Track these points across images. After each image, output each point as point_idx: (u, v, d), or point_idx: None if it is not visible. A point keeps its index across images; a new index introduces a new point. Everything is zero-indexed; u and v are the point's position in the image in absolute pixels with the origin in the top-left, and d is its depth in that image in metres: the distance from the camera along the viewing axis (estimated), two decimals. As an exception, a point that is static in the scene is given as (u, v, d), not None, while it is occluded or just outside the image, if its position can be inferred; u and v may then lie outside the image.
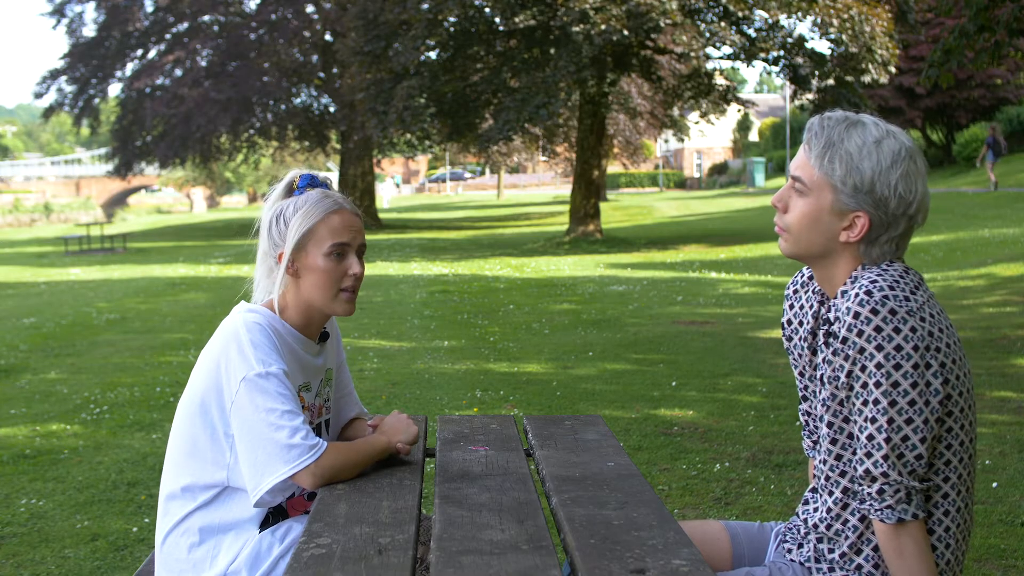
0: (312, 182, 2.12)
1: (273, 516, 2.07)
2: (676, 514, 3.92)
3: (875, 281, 1.73)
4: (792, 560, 1.98)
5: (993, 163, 25.84)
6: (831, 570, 1.88)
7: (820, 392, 1.87)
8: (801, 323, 1.97)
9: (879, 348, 1.70)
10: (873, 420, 1.72)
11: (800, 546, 1.98)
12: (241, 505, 2.02)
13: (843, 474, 1.85)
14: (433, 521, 1.80)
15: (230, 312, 2.11)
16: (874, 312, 1.69)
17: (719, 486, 4.32)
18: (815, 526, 1.91)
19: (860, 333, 1.71)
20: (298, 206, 2.08)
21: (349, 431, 2.36)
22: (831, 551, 1.88)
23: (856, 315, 1.71)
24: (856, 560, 1.84)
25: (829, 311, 1.85)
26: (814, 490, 1.99)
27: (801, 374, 1.99)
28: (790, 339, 2.01)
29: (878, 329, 1.69)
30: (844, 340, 1.74)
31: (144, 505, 4.29)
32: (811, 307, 1.94)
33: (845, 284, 1.82)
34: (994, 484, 4.19)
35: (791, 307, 2.02)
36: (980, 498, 4.04)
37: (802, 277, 2.02)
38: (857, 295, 1.72)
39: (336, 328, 2.32)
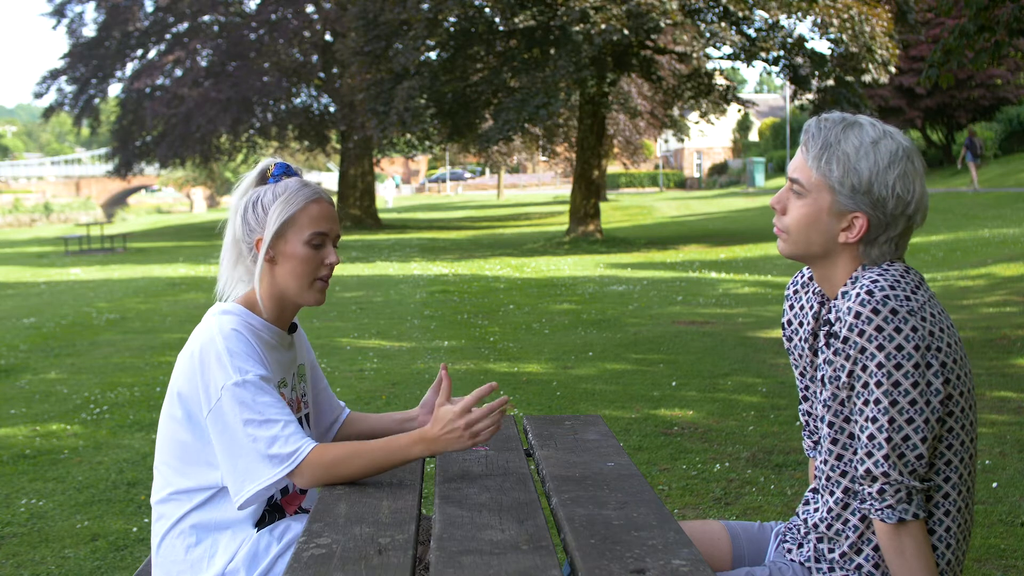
0: (287, 171, 2.11)
1: (270, 515, 2.06)
2: (676, 514, 3.93)
3: (876, 281, 1.73)
4: (792, 560, 1.98)
5: (975, 164, 26.27)
6: (831, 570, 1.88)
7: (821, 393, 1.87)
8: (801, 323, 1.97)
9: (880, 348, 1.70)
10: (874, 420, 1.72)
11: (800, 546, 1.98)
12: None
13: (844, 474, 1.85)
14: (433, 521, 1.80)
15: (204, 316, 2.08)
16: (875, 312, 1.70)
17: (719, 486, 4.32)
18: (815, 526, 1.92)
19: (861, 333, 1.71)
20: (277, 193, 2.06)
21: (350, 426, 2.35)
22: (831, 551, 1.88)
23: (857, 315, 1.71)
24: (856, 560, 1.85)
25: (830, 312, 1.85)
26: (815, 490, 1.99)
27: (802, 374, 1.99)
28: (790, 339, 2.01)
29: (879, 329, 1.69)
30: (845, 340, 1.74)
31: (144, 505, 4.28)
32: (811, 308, 1.94)
33: (845, 284, 1.82)
34: (994, 484, 4.19)
35: (791, 307, 2.02)
36: (980, 498, 4.04)
37: (802, 277, 2.02)
38: (858, 295, 1.72)
39: (300, 328, 2.30)
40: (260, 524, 2.04)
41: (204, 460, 2.01)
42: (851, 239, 1.80)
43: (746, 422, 5.43)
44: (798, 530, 2.01)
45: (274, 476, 1.91)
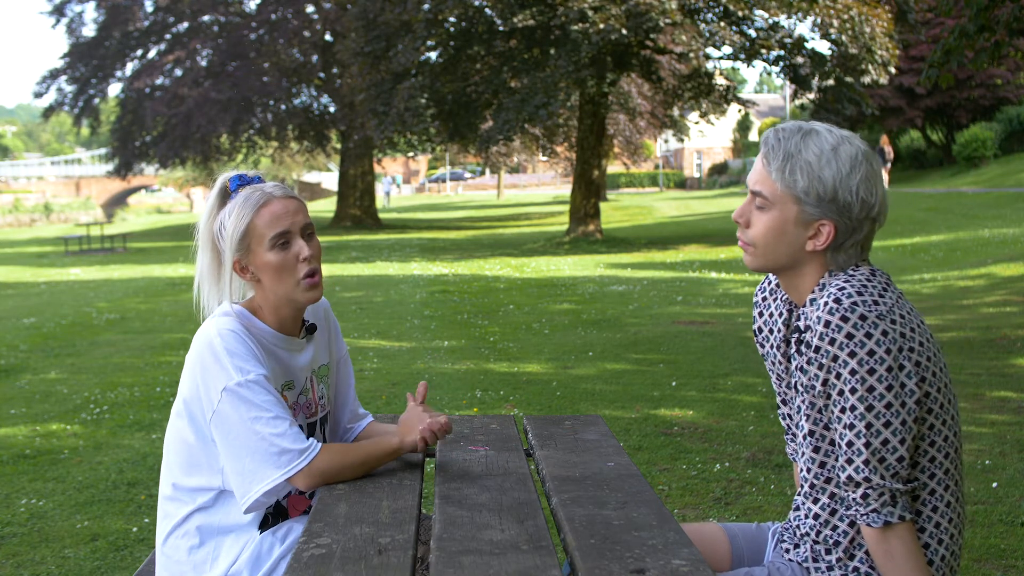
0: (242, 180, 2.07)
1: (273, 517, 2.06)
2: (676, 514, 3.93)
3: (843, 288, 1.74)
4: (790, 560, 1.98)
5: (885, 169, 27.42)
6: (829, 569, 1.88)
7: (796, 399, 1.88)
8: (772, 330, 1.98)
9: (852, 355, 1.71)
10: (851, 426, 1.73)
11: (797, 546, 1.98)
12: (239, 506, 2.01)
13: (828, 480, 1.86)
14: (433, 521, 1.80)
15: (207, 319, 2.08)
16: (844, 319, 1.71)
17: (719, 486, 4.32)
18: (806, 534, 1.92)
19: (832, 341, 1.72)
20: (229, 211, 2.03)
21: (368, 432, 2.35)
22: (828, 552, 1.89)
23: (827, 323, 1.72)
24: (851, 563, 1.85)
25: (799, 319, 1.86)
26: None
27: (779, 379, 2.00)
28: (763, 346, 2.03)
29: (849, 336, 1.70)
30: (817, 349, 1.75)
31: (144, 505, 4.29)
32: (781, 315, 1.95)
33: (813, 292, 1.83)
34: (994, 484, 4.19)
35: (760, 315, 2.03)
36: (980, 498, 4.04)
37: (769, 284, 2.03)
38: (826, 303, 1.73)
39: (334, 321, 2.28)
40: (263, 527, 2.04)
41: (207, 462, 2.01)
42: (819, 247, 1.80)
43: (746, 422, 5.43)
44: (794, 532, 2.01)
45: (283, 475, 1.92)
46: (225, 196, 2.08)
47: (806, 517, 1.93)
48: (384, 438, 2.11)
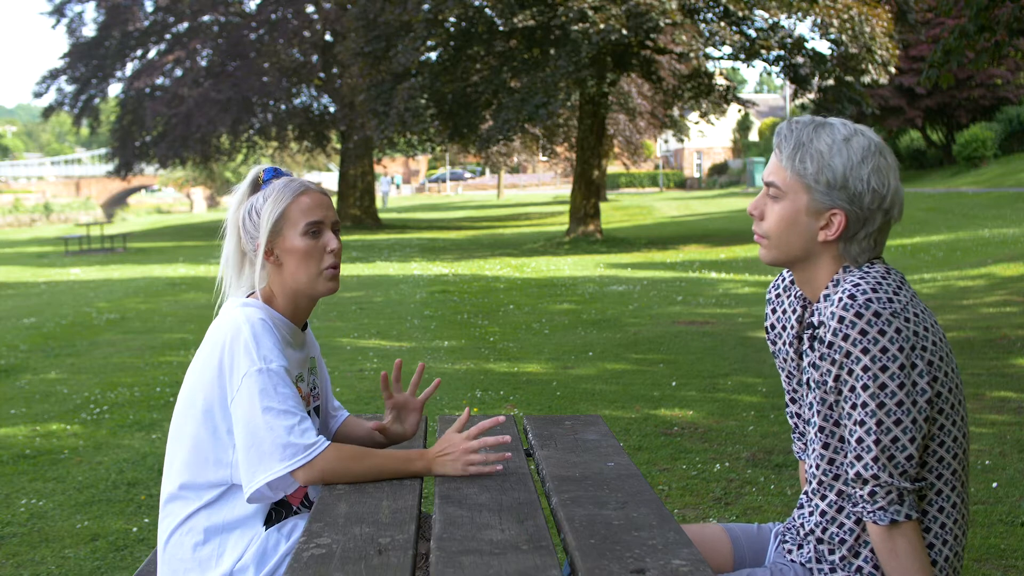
0: (277, 173, 2.14)
1: (277, 512, 2.07)
2: (676, 514, 3.93)
3: (858, 284, 1.74)
4: (793, 560, 1.98)
5: None
6: (832, 571, 1.88)
7: (807, 396, 1.88)
8: (784, 327, 1.98)
9: (865, 351, 1.71)
10: (862, 423, 1.73)
11: (800, 547, 1.98)
12: (245, 503, 2.02)
13: (837, 477, 1.85)
14: (433, 521, 1.80)
15: (222, 309, 2.10)
16: (858, 315, 1.71)
17: (719, 486, 4.32)
18: (811, 531, 1.92)
19: (845, 337, 1.72)
20: (267, 195, 2.10)
21: (345, 428, 2.35)
22: (831, 552, 1.89)
23: (840, 319, 1.72)
24: (856, 563, 1.85)
25: (812, 315, 1.86)
26: (807, 493, 2.00)
27: (788, 377, 2.00)
28: (774, 343, 2.03)
29: (863, 332, 1.70)
30: (830, 345, 1.75)
31: (144, 505, 4.29)
32: (794, 311, 1.95)
33: (827, 287, 1.83)
34: (994, 484, 4.19)
35: (773, 311, 2.03)
36: (980, 498, 4.04)
37: (783, 281, 2.03)
38: (841, 299, 1.73)
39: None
40: (268, 522, 2.05)
41: (214, 457, 2.02)
42: (831, 237, 1.80)
43: (746, 422, 5.43)
44: (797, 531, 2.01)
45: (285, 468, 1.93)
46: (256, 185, 2.15)
47: (811, 514, 1.93)
48: (407, 457, 2.07)
